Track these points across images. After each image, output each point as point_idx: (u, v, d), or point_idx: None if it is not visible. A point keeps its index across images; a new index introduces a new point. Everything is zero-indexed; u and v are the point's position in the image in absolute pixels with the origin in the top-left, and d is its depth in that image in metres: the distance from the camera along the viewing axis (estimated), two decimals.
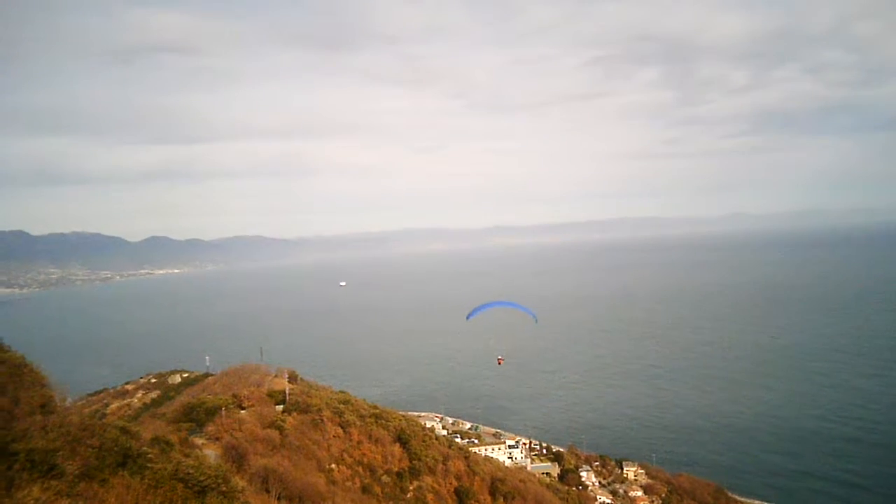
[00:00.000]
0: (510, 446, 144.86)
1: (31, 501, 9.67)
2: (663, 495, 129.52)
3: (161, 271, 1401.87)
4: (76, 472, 18.26)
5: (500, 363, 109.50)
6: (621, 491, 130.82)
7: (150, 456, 26.67)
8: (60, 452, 17.20)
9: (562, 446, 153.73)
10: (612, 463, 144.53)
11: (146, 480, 22.30)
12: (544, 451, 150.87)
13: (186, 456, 39.78)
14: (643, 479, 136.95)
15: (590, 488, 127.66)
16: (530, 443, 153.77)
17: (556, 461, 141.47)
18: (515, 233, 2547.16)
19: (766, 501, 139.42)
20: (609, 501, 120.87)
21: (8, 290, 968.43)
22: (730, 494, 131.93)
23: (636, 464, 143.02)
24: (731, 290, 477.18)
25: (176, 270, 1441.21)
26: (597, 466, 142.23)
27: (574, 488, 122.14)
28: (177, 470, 24.44)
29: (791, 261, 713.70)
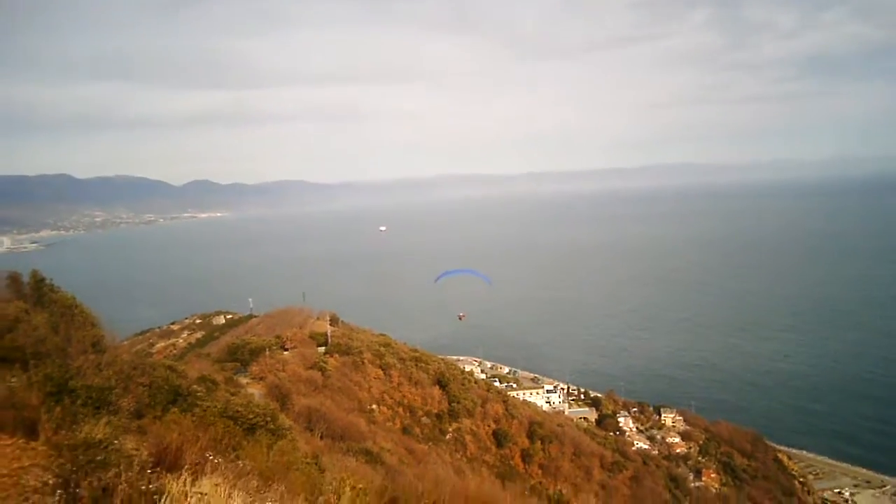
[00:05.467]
0: (548, 391, 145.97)
1: (100, 436, 9.90)
2: (701, 442, 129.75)
3: (204, 215, 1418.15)
4: (130, 409, 18.69)
5: (461, 318, 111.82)
6: (659, 437, 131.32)
7: (199, 394, 27.29)
8: (116, 390, 17.60)
9: (600, 392, 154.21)
10: (650, 409, 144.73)
11: (196, 418, 22.77)
12: (582, 396, 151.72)
13: (233, 395, 40.70)
14: (681, 426, 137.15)
15: (627, 434, 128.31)
16: (568, 388, 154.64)
17: (593, 407, 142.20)
18: (551, 179, 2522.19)
19: (803, 450, 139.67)
20: (647, 447, 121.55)
21: (54, 233, 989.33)
22: (767, 442, 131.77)
23: (674, 410, 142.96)
24: (767, 239, 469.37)
25: (219, 214, 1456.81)
26: (635, 413, 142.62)
27: (612, 434, 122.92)
28: (226, 408, 24.94)
29: (833, 208, 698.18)
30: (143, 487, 8.02)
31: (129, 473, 8.14)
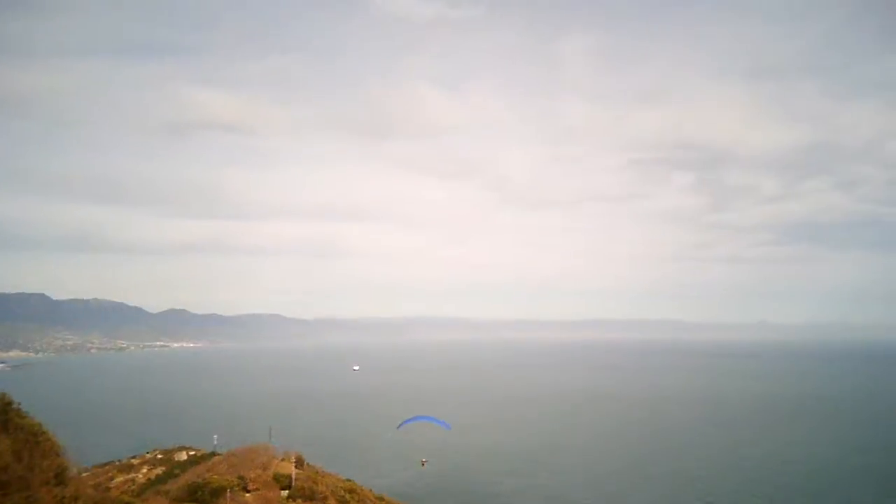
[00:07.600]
0: None
1: None
2: None
3: (176, 344, 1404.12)
4: None
5: (423, 465, 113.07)
6: None
7: None
8: None
9: None
10: None
11: None
12: None
13: None
14: None
15: None
16: None
17: None
18: (536, 327, 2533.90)
19: None
20: None
21: (24, 354, 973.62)
22: None
23: None
24: (750, 399, 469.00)
25: (191, 344, 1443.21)
26: None
27: None
28: None
29: (811, 372, 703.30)
30: None
31: None
